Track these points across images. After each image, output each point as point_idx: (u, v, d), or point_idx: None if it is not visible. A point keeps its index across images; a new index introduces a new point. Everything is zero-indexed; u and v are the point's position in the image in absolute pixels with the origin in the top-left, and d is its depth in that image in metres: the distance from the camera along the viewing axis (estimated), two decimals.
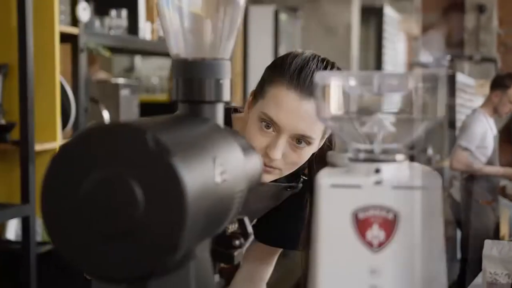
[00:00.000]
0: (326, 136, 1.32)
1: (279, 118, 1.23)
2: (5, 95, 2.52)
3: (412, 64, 9.83)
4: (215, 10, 0.86)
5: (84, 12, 2.73)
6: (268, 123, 1.24)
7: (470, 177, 4.29)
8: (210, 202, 0.68)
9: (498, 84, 4.28)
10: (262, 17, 4.74)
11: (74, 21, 2.76)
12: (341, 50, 5.71)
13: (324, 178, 0.72)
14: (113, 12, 3.14)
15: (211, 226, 0.72)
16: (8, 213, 2.41)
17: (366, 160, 0.73)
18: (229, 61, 0.87)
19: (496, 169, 4.37)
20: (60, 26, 2.63)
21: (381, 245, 0.68)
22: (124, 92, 3.09)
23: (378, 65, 7.72)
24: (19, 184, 2.42)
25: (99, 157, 0.64)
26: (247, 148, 0.87)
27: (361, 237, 0.69)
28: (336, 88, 0.74)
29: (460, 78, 7.41)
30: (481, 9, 9.44)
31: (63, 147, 0.64)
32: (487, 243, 1.90)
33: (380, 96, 0.74)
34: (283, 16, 5.04)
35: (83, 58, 2.76)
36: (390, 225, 0.68)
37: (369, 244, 0.68)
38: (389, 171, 0.71)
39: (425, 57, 5.39)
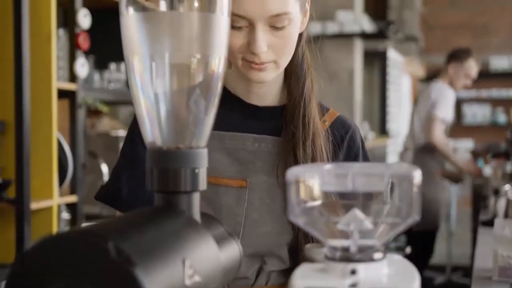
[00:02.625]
0: (308, 7, 1.22)
1: (244, 10, 1.11)
2: (1, 152, 2.51)
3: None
4: (190, 98, 0.85)
5: (82, 68, 2.73)
6: (239, 22, 1.12)
7: (424, 148, 4.30)
8: None
9: (454, 57, 4.43)
10: None
11: (73, 77, 2.77)
12: (344, 95, 5.71)
13: (299, 280, 0.69)
14: (113, 66, 3.15)
15: None
16: (3, 274, 2.37)
17: (342, 259, 0.70)
18: (205, 149, 0.85)
19: (462, 163, 4.47)
20: (58, 82, 2.64)
21: None
22: None
23: (382, 108, 7.73)
24: (14, 243, 2.40)
25: (59, 268, 0.62)
26: (224, 238, 0.84)
27: None
28: (309, 184, 0.72)
29: (391, 54, 7.46)
30: None
31: (22, 257, 0.62)
32: (498, 222, 1.75)
33: (355, 192, 0.72)
34: None
35: (81, 114, 2.76)
36: None
37: None
38: (366, 271, 0.69)
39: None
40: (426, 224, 4.26)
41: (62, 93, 2.70)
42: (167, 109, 0.83)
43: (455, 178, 4.79)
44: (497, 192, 3.24)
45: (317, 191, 0.72)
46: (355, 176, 0.71)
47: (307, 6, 1.22)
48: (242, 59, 1.17)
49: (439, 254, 6.54)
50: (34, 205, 2.49)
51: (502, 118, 10.16)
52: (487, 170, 4.56)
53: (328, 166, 0.74)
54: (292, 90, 1.25)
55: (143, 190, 1.07)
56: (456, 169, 4.57)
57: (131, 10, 0.81)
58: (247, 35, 1.14)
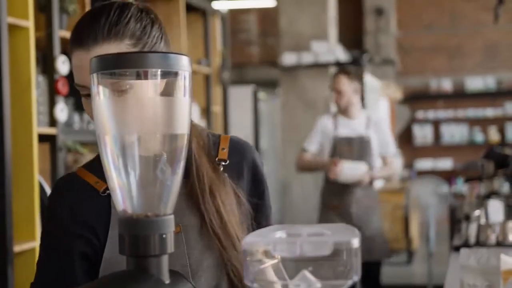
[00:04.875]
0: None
1: (82, 80, 1.20)
2: None
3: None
4: (157, 170, 0.94)
5: (61, 112, 2.82)
6: (83, 90, 1.21)
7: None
8: None
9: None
10: (242, 97, 4.86)
11: (53, 121, 2.85)
12: None
13: None
14: None
15: None
16: None
17: None
18: (172, 216, 0.93)
19: (319, 160, 4.14)
20: (39, 127, 2.72)
21: None
22: None
23: None
24: None
25: None
26: None
27: None
28: (262, 250, 0.81)
29: (368, 79, 7.61)
30: (379, 12, 9.76)
31: None
32: (464, 251, 1.79)
33: (304, 257, 0.81)
34: (262, 95, 5.17)
35: (61, 157, 2.84)
36: None
37: None
38: None
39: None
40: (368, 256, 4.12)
41: (42, 137, 2.78)
42: (136, 181, 0.92)
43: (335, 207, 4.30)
44: (468, 218, 3.34)
45: (269, 256, 0.81)
46: (303, 243, 0.80)
47: None
48: None
49: (420, 274, 6.65)
50: (17, 248, 2.55)
51: (479, 137, 10.35)
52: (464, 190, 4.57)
53: (279, 234, 0.83)
54: None
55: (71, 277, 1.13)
56: (320, 169, 4.23)
57: (101, 95, 0.91)
58: None
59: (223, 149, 1.31)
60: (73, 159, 3.44)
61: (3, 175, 2.50)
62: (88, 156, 3.55)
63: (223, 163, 1.30)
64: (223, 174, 1.28)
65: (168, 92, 0.90)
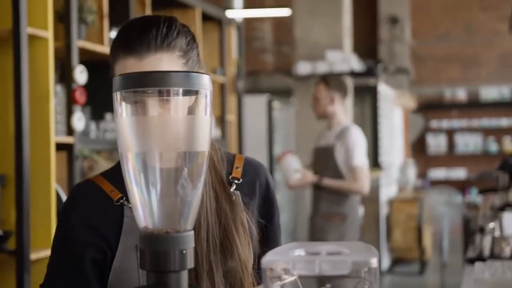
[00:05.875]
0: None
1: None
2: (2, 205, 2.61)
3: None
4: (178, 187, 0.95)
5: (79, 121, 2.85)
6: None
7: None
8: None
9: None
10: (257, 105, 4.88)
11: (70, 130, 2.88)
12: None
13: None
14: (109, 116, 3.27)
15: None
16: None
17: None
18: (192, 232, 0.95)
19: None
20: (56, 136, 2.75)
21: None
22: None
23: (375, 141, 7.84)
24: None
25: None
26: None
27: None
28: (281, 269, 0.83)
29: (382, 88, 7.59)
30: (393, 20, 9.74)
31: None
32: (478, 266, 1.80)
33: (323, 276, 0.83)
34: (276, 104, 5.18)
35: (77, 165, 2.87)
36: None
37: None
38: None
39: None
40: None
41: (60, 146, 2.81)
42: (157, 197, 0.94)
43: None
44: (482, 230, 3.32)
45: (288, 274, 0.83)
46: (322, 262, 0.81)
47: None
48: None
49: (433, 284, 6.62)
50: (34, 256, 2.58)
51: (493, 147, 10.30)
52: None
53: (298, 252, 0.84)
54: None
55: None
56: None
57: (123, 113, 0.92)
58: None
59: (237, 168, 1.34)
60: (88, 166, 3.47)
61: (21, 183, 2.53)
62: (102, 164, 3.58)
63: (236, 182, 1.32)
64: (234, 192, 1.30)
65: (189, 110, 0.92)
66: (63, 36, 2.92)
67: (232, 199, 1.29)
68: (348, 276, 0.81)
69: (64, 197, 2.82)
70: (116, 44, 1.23)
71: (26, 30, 2.57)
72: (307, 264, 0.81)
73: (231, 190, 1.30)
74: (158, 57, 1.19)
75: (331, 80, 4.10)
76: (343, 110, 4.09)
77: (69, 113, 2.87)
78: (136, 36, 1.20)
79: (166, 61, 1.20)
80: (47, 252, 2.67)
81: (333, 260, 0.81)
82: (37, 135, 2.65)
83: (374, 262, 0.78)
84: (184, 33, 1.24)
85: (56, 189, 2.75)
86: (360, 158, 3.91)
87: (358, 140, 3.94)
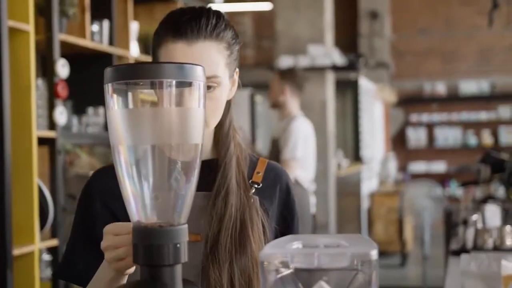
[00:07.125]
0: (237, 77, 1.30)
1: None
2: None
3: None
4: (171, 180, 0.94)
5: (61, 116, 2.82)
6: None
7: None
8: None
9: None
10: (238, 100, 4.85)
11: (52, 124, 2.84)
12: (317, 125, 5.82)
13: None
14: (90, 110, 3.23)
15: None
16: None
17: None
18: (185, 225, 0.94)
19: None
20: (38, 130, 2.71)
21: None
22: None
23: (356, 135, 7.87)
24: None
25: None
26: None
27: None
28: (280, 262, 0.81)
29: (363, 83, 7.64)
30: (374, 15, 9.79)
31: None
32: (464, 257, 1.78)
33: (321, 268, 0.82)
34: (258, 98, 5.17)
35: (60, 160, 2.84)
36: None
37: None
38: None
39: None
40: None
41: (41, 140, 2.77)
42: (150, 190, 0.92)
43: None
44: (465, 222, 3.35)
45: (286, 267, 0.82)
46: (321, 254, 0.80)
47: (236, 77, 1.31)
48: None
49: (414, 276, 6.67)
50: (16, 251, 2.55)
51: (472, 140, 10.38)
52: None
53: (296, 245, 0.83)
54: (217, 153, 1.31)
55: (99, 258, 1.13)
56: None
57: (115, 105, 0.91)
58: None
59: (258, 172, 1.33)
60: (70, 160, 3.44)
61: (3, 178, 2.50)
62: (84, 158, 3.55)
63: (256, 186, 1.31)
64: (253, 196, 1.29)
65: (182, 102, 0.91)
66: (44, 29, 2.88)
67: (250, 200, 1.29)
68: (346, 269, 0.80)
69: (46, 192, 2.78)
70: (165, 27, 1.22)
71: (7, 23, 2.52)
72: (306, 257, 0.80)
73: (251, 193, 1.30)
74: (207, 45, 1.20)
75: (285, 72, 4.22)
76: (295, 102, 4.11)
77: (51, 107, 2.83)
78: (187, 21, 1.20)
79: (215, 50, 1.21)
80: (29, 248, 2.64)
81: (332, 252, 0.80)
82: (19, 130, 2.61)
83: (373, 254, 0.77)
84: (230, 27, 1.26)
85: (38, 184, 2.71)
86: (292, 151, 3.92)
87: (296, 132, 3.96)
